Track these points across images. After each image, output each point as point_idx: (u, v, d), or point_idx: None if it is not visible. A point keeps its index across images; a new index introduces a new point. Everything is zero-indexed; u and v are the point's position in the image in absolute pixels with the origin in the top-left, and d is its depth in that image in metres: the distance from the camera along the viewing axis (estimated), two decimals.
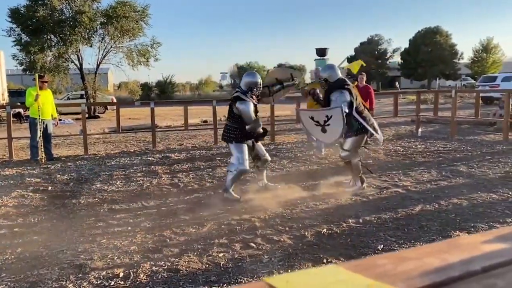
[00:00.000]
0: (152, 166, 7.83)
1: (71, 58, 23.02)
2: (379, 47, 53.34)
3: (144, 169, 7.65)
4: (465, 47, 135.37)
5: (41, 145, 8.44)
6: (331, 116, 5.38)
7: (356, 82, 9.67)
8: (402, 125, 13.20)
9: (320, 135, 5.68)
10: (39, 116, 8.36)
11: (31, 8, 21.16)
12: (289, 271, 3.33)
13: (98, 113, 23.01)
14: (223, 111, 16.13)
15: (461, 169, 6.90)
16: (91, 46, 23.16)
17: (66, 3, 21.97)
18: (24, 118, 17.35)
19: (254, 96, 5.65)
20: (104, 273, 3.42)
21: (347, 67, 10.18)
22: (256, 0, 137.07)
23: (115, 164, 8.14)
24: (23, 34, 21.93)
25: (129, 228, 4.51)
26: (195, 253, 3.77)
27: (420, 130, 11.28)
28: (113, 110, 19.08)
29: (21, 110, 17.69)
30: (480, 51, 49.93)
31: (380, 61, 52.36)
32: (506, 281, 0.45)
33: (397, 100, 12.42)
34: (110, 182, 6.69)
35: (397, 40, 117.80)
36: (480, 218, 4.54)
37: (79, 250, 3.93)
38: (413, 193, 5.56)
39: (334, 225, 4.41)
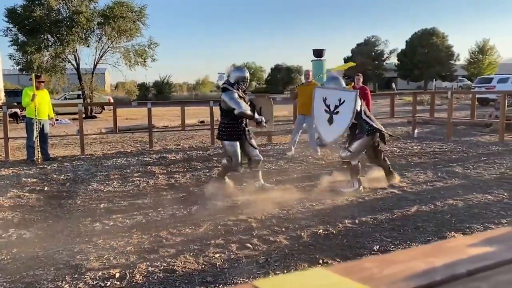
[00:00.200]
0: (149, 167, 7.82)
1: (68, 58, 22.97)
2: (376, 48, 53.40)
3: (140, 169, 7.64)
4: (462, 49, 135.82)
5: (38, 145, 8.43)
6: (343, 102, 5.52)
7: (353, 83, 9.70)
8: (399, 126, 13.23)
9: (324, 128, 5.71)
10: (36, 116, 8.34)
11: (28, 8, 21.09)
12: (285, 271, 3.34)
13: (95, 113, 22.97)
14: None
15: (457, 170, 6.92)
16: (88, 46, 23.13)
17: (63, 3, 21.92)
18: (21, 118, 17.31)
19: (240, 90, 5.88)
20: (100, 273, 3.42)
21: (337, 69, 10.23)
22: (255, 0, 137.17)
23: (112, 165, 8.13)
24: (19, 34, 21.87)
25: (126, 228, 4.51)
26: (191, 254, 3.77)
27: (416, 131, 11.31)
28: (110, 110, 19.06)
29: (17, 110, 17.65)
30: (476, 52, 50.09)
31: (376, 62, 52.42)
32: (490, 284, 0.45)
33: (393, 101, 12.45)
34: (107, 182, 6.68)
35: (393, 41, 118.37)
36: (476, 219, 4.56)
37: (75, 250, 3.92)
38: (409, 194, 5.58)
39: (330, 225, 4.42)
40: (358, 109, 5.64)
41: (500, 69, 45.15)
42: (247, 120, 5.89)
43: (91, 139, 11.79)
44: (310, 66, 14.97)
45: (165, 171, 7.43)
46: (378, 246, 3.88)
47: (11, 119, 18.77)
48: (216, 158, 8.52)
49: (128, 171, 7.51)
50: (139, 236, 4.25)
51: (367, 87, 10.17)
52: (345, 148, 5.88)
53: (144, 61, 23.94)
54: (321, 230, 4.28)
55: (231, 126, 5.76)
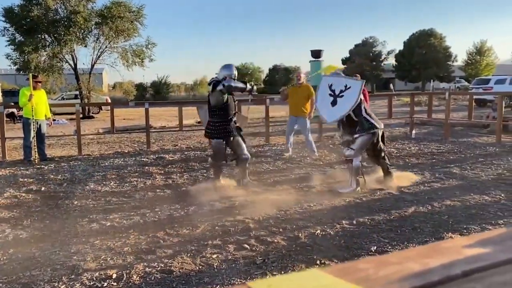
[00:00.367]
0: (146, 167, 7.81)
1: (65, 58, 22.94)
2: (374, 49, 53.51)
3: (138, 170, 7.63)
4: (459, 50, 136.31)
5: (35, 146, 8.40)
6: (349, 88, 5.76)
7: None
8: (396, 127, 13.25)
9: (327, 110, 5.89)
10: (33, 116, 8.32)
11: (25, 8, 21.05)
12: (283, 272, 3.34)
13: (92, 113, 22.93)
14: None
15: (454, 171, 6.94)
16: (85, 46, 23.10)
17: (61, 3, 21.89)
18: (18, 118, 17.26)
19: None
20: (97, 274, 3.41)
21: (320, 72, 10.30)
22: (253, 1, 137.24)
23: (109, 165, 8.11)
24: (17, 34, 21.83)
25: (123, 229, 4.50)
26: (189, 254, 3.77)
27: (414, 132, 11.33)
28: (108, 110, 19.02)
29: (14, 110, 17.59)
30: (474, 53, 50.26)
31: (374, 63, 52.53)
32: (485, 285, 0.45)
33: (391, 102, 12.48)
34: (104, 182, 6.66)
35: (391, 42, 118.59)
36: (473, 219, 4.57)
37: (72, 251, 3.91)
38: (406, 195, 5.59)
39: (328, 226, 4.42)
40: (363, 98, 5.86)
41: (497, 70, 45.29)
42: (235, 118, 6.02)
43: (89, 139, 11.77)
44: (308, 67, 15.00)
45: (162, 172, 7.41)
46: (375, 247, 3.88)
47: (8, 119, 18.71)
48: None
49: (126, 171, 7.50)
50: (136, 237, 4.24)
51: (365, 88, 10.17)
52: (348, 147, 5.89)
53: (142, 61, 23.93)
54: (318, 231, 4.28)
55: (221, 124, 5.86)
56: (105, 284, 3.26)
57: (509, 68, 47.14)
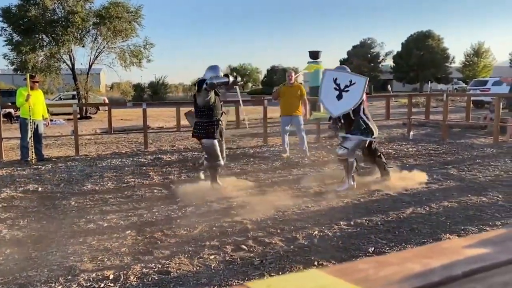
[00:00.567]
0: (144, 168, 7.79)
1: (63, 58, 22.91)
2: (372, 50, 53.60)
3: (135, 170, 7.61)
4: (457, 51, 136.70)
5: (32, 146, 8.38)
6: (354, 83, 5.77)
7: None
8: (394, 128, 13.26)
9: (332, 103, 5.89)
10: (30, 116, 8.30)
11: (22, 8, 21.02)
12: (280, 273, 3.33)
13: (90, 113, 22.89)
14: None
15: (452, 172, 6.94)
16: (83, 46, 23.10)
17: (58, 3, 21.86)
18: (15, 118, 17.21)
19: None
20: (94, 275, 3.40)
21: (304, 70, 10.38)
22: (252, 1, 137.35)
23: (107, 165, 8.09)
24: (14, 34, 21.80)
25: (120, 229, 4.48)
26: (186, 255, 3.76)
27: (411, 133, 11.34)
28: (105, 111, 18.98)
29: (11, 110, 17.54)
30: (472, 55, 50.40)
31: (372, 64, 52.61)
32: (486, 285, 0.45)
33: (389, 103, 12.49)
34: (101, 183, 6.65)
35: (389, 44, 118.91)
36: (471, 221, 4.57)
37: (69, 251, 3.90)
38: (404, 196, 5.59)
39: (326, 227, 4.41)
40: (364, 98, 5.87)
41: (495, 72, 45.41)
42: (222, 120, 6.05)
43: (86, 140, 11.74)
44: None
45: (160, 172, 7.40)
46: (373, 248, 3.88)
47: (5, 119, 18.64)
48: None
49: (123, 172, 7.48)
50: (133, 238, 4.23)
51: None
52: (341, 146, 5.89)
53: (140, 62, 23.93)
54: (316, 232, 4.28)
55: (209, 125, 5.88)
56: (102, 285, 3.24)
57: (507, 69, 47.28)
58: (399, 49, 52.29)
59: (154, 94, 42.12)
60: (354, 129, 5.78)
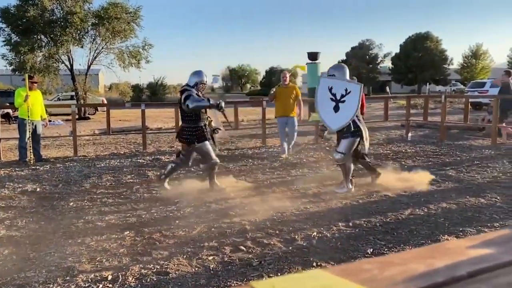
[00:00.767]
0: (142, 168, 7.79)
1: (61, 59, 22.89)
2: (370, 51, 53.70)
3: (134, 171, 7.60)
4: (455, 53, 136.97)
5: (30, 146, 8.37)
6: (350, 92, 5.66)
7: None
8: (392, 130, 13.28)
9: (330, 117, 5.74)
10: (28, 117, 8.28)
11: (21, 8, 20.99)
12: (279, 274, 3.33)
13: (88, 114, 22.86)
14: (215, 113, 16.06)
15: (450, 173, 6.95)
16: (82, 47, 23.08)
17: (57, 4, 21.84)
18: (13, 118, 17.18)
19: (199, 92, 6.10)
20: (92, 276, 3.39)
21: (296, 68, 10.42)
22: (251, 2, 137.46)
23: (105, 166, 8.08)
24: (13, 34, 21.77)
25: (118, 230, 4.48)
26: (185, 256, 3.75)
27: (410, 134, 11.36)
28: (104, 111, 18.97)
29: (10, 110, 17.51)
30: (470, 57, 50.53)
31: (371, 65, 52.69)
32: (490, 286, 0.45)
33: (387, 104, 12.51)
34: (100, 184, 6.64)
35: (388, 45, 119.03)
36: (469, 222, 4.58)
37: (67, 252, 3.89)
38: (402, 197, 5.59)
39: (324, 228, 4.41)
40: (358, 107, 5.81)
41: (493, 74, 45.47)
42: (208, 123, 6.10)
43: (84, 140, 11.72)
44: (305, 69, 14.98)
45: (158, 173, 7.38)
46: (372, 249, 3.88)
47: (3, 119, 18.62)
48: None
49: (121, 172, 7.47)
50: (132, 238, 4.22)
51: None
52: (336, 151, 5.88)
53: (138, 63, 23.92)
54: (315, 233, 4.28)
55: (197, 129, 5.93)
56: (100, 285, 3.24)
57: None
58: (398, 50, 52.43)
59: (152, 95, 42.11)
60: (346, 132, 5.74)
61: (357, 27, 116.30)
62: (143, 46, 23.85)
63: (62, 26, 21.25)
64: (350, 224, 4.55)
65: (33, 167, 7.96)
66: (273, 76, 57.96)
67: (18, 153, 8.66)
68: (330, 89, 5.79)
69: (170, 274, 3.41)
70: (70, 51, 22.68)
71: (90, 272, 3.46)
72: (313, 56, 11.72)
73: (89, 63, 23.51)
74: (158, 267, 3.54)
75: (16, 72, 22.41)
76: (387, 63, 54.64)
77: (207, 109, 6.14)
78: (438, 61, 49.39)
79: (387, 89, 40.36)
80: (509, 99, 10.01)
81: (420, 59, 48.59)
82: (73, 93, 23.89)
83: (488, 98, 16.60)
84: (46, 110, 9.05)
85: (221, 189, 6.00)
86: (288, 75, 8.90)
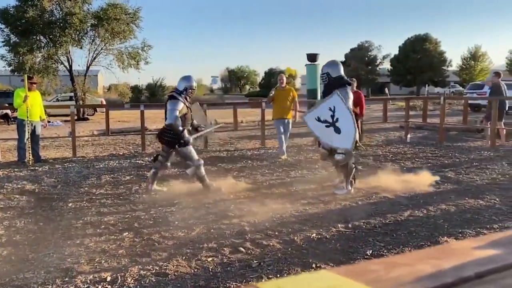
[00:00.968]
0: (142, 169, 7.78)
1: (60, 60, 22.86)
2: (369, 53, 53.72)
3: (133, 172, 7.59)
4: (454, 55, 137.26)
5: (29, 147, 8.35)
6: (335, 108, 5.55)
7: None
8: (391, 131, 13.29)
9: (339, 139, 5.62)
10: (27, 117, 8.27)
11: (20, 9, 20.97)
12: (278, 276, 3.32)
13: (87, 115, 22.84)
14: (214, 114, 16.08)
15: (449, 175, 6.95)
16: (81, 48, 23.05)
17: (56, 5, 21.83)
18: (12, 119, 17.16)
19: (187, 98, 6.09)
20: (91, 277, 3.38)
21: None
22: (251, 3, 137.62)
23: (104, 167, 8.07)
24: (12, 35, 21.73)
25: (117, 231, 4.47)
26: (184, 257, 3.74)
27: (409, 136, 11.37)
28: (103, 112, 18.96)
29: (8, 111, 17.49)
30: (468, 58, 50.63)
31: (370, 67, 52.73)
32: (498, 287, 0.44)
33: (386, 106, 12.53)
34: (99, 185, 6.62)
35: (387, 47, 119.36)
36: (468, 224, 4.58)
37: (66, 253, 3.87)
38: (401, 199, 5.59)
39: (323, 230, 4.41)
40: (351, 99, 5.84)
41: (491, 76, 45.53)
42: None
43: (83, 141, 11.70)
44: (304, 70, 15.00)
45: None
46: (371, 251, 3.88)
47: (2, 120, 18.62)
48: (209, 162, 8.48)
49: (120, 173, 7.46)
50: (131, 239, 4.21)
51: (361, 92, 10.23)
52: (337, 152, 5.84)
53: (137, 64, 23.89)
54: (314, 234, 4.27)
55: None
56: (100, 286, 3.23)
57: (503, 73, 47.48)
58: (397, 52, 52.51)
59: (151, 96, 42.10)
60: None
61: (356, 28, 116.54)
62: (142, 47, 23.84)
63: (61, 27, 21.23)
64: (350, 225, 4.54)
65: (32, 168, 7.95)
66: (272, 77, 57.96)
67: (17, 154, 8.64)
68: (320, 120, 5.70)
69: (169, 275, 3.40)
70: (69, 52, 22.66)
71: (89, 273, 3.45)
72: (312, 57, 11.73)
73: (88, 64, 23.50)
74: (157, 268, 3.53)
75: (15, 73, 22.37)
76: (386, 65, 54.73)
77: (192, 108, 6.15)
78: (437, 63, 49.48)
79: (386, 90, 40.37)
80: (501, 101, 10.07)
81: (419, 61, 48.66)
82: (72, 94, 23.87)
83: (486, 100, 16.60)
84: (45, 110, 9.04)
85: (218, 189, 5.98)
86: (285, 78, 8.95)
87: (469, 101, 16.79)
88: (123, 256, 3.80)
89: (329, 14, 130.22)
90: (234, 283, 3.26)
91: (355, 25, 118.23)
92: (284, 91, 8.73)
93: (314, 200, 5.57)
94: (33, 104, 8.39)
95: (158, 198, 5.80)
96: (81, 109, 21.81)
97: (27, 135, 8.30)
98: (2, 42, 21.66)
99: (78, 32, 21.92)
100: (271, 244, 4.04)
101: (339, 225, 4.54)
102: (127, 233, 4.38)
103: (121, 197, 5.87)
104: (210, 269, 3.51)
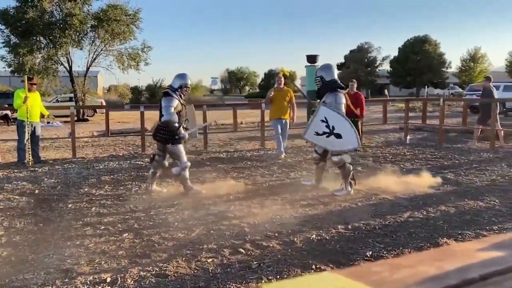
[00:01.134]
0: (141, 170, 7.77)
1: (60, 61, 22.86)
2: (369, 54, 53.72)
3: (133, 173, 7.59)
4: (453, 56, 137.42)
5: (29, 148, 8.35)
6: (326, 118, 5.70)
7: (347, 90, 9.78)
8: (391, 132, 13.29)
9: (341, 143, 5.74)
10: (27, 118, 8.27)
11: (20, 10, 20.97)
12: (278, 277, 3.32)
13: (87, 116, 22.83)
14: (214, 115, 16.09)
15: (449, 176, 6.95)
16: (81, 49, 23.05)
17: (56, 6, 21.83)
18: (12, 120, 17.16)
19: (182, 95, 6.08)
20: (91, 278, 3.38)
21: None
22: (251, 4, 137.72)
23: (104, 168, 8.07)
24: (12, 36, 21.73)
25: (117, 232, 4.46)
26: (184, 258, 3.74)
27: (408, 137, 11.37)
28: (102, 113, 18.95)
29: (8, 112, 17.49)
30: (468, 60, 50.64)
31: (369, 68, 52.72)
32: None
33: (386, 107, 12.54)
34: (98, 186, 6.62)
35: (386, 48, 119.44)
36: (468, 225, 4.58)
37: (66, 254, 3.87)
38: (401, 200, 5.59)
39: (323, 231, 4.41)
40: (344, 103, 5.89)
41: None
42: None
43: (83, 142, 11.70)
44: (303, 72, 15.04)
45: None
46: (371, 252, 3.87)
47: (1, 121, 18.62)
48: (208, 163, 8.49)
49: (120, 174, 7.46)
50: (130, 240, 4.21)
51: (360, 93, 10.24)
52: (333, 154, 5.89)
53: (137, 65, 23.88)
54: (314, 236, 4.27)
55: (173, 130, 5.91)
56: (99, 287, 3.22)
57: (503, 75, 47.45)
58: (396, 53, 52.51)
59: (151, 97, 42.14)
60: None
61: (356, 30, 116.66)
62: (142, 48, 23.84)
63: (61, 28, 21.23)
64: (349, 226, 4.54)
65: (31, 169, 7.94)
66: (272, 78, 58.01)
67: (16, 155, 8.64)
68: (318, 133, 5.86)
69: (169, 277, 3.40)
70: (69, 53, 22.65)
71: (88, 274, 3.44)
72: (312, 59, 11.75)
73: (88, 65, 23.49)
74: (157, 269, 3.53)
75: (15, 74, 22.37)
76: (386, 66, 54.73)
77: (185, 107, 6.15)
78: (437, 64, 49.49)
79: (386, 92, 40.43)
80: (490, 103, 10.22)
81: (418, 62, 48.68)
82: (72, 95, 23.85)
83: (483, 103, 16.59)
84: (46, 109, 9.09)
85: (198, 192, 5.94)
86: (282, 79, 8.96)
87: (469, 103, 16.78)
88: (123, 257, 3.79)
89: (329, 16, 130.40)
90: (234, 284, 3.26)
91: (354, 26, 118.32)
92: (282, 91, 8.78)
93: (314, 201, 5.57)
94: (33, 105, 8.39)
95: (158, 199, 5.79)
96: (81, 110, 21.80)
97: (27, 136, 8.30)
98: (2, 43, 21.68)
99: (78, 33, 21.92)
100: (271, 245, 4.04)
101: (339, 226, 4.54)
102: (127, 234, 4.38)
103: (120, 198, 5.87)
104: (210, 270, 3.50)
